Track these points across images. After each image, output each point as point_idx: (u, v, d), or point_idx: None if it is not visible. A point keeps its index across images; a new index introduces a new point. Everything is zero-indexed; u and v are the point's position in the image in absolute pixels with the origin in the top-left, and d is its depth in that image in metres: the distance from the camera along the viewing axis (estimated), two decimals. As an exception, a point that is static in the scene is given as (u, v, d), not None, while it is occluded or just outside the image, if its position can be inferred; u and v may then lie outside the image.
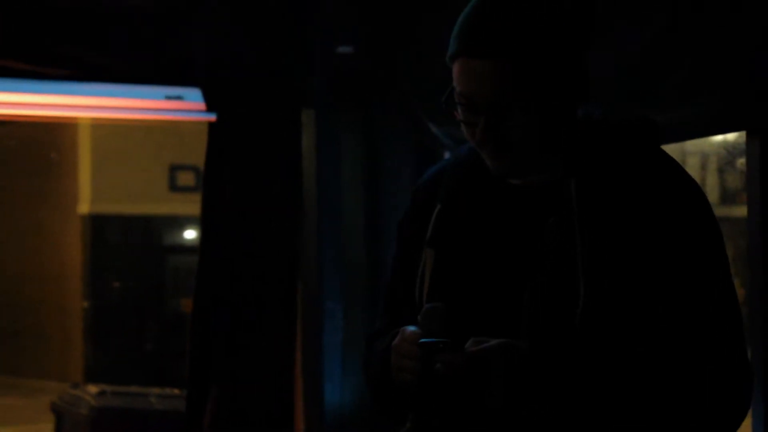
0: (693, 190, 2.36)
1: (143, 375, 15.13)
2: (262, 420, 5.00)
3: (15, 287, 20.00)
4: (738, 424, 2.34)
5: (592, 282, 2.26)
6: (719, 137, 6.38)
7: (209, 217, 5.08)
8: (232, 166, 5.01)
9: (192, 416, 5.06)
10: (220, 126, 5.02)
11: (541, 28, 2.26)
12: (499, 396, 2.23)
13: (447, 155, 4.41)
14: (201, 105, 5.02)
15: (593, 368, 2.24)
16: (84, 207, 18.49)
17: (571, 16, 2.31)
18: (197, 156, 5.38)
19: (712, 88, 3.55)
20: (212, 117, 5.03)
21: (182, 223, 18.45)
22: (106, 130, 17.32)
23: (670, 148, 2.46)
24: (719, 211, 2.41)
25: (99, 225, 18.47)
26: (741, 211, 3.94)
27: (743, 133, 3.69)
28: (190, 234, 18.15)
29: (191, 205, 10.04)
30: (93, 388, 7.99)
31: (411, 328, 2.29)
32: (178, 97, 5.05)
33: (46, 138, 18.51)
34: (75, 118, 10.98)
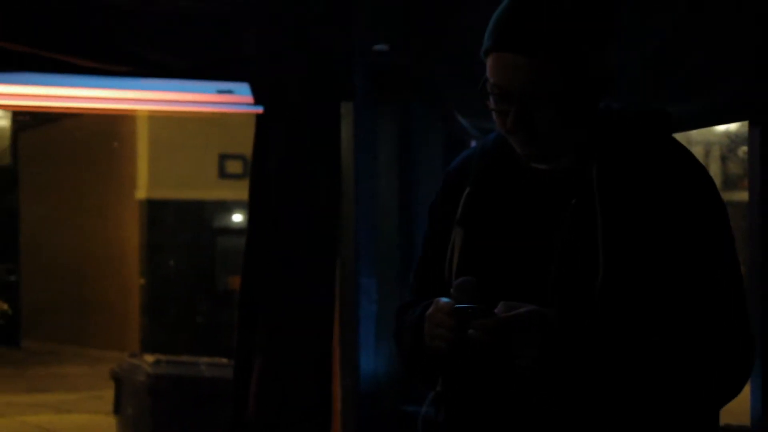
0: (702, 174, 2.36)
1: (194, 345, 15.22)
2: (303, 385, 5.00)
3: (79, 266, 20.11)
4: (740, 388, 2.35)
5: (611, 257, 2.26)
6: (722, 127, 6.35)
7: (256, 201, 5.08)
8: (276, 155, 5.01)
9: (239, 383, 5.07)
10: (267, 118, 5.02)
11: (569, 26, 2.28)
12: (529, 358, 2.23)
13: (474, 144, 4.39)
14: (249, 98, 5.02)
15: (612, 334, 2.25)
16: (141, 192, 18.57)
17: (595, 15, 2.32)
18: (245, 146, 5.39)
19: (717, 82, 3.53)
20: (259, 109, 5.03)
21: (230, 207, 18.52)
22: (161, 122, 17.39)
23: (677, 137, 2.45)
24: (721, 196, 2.40)
25: (155, 209, 18.55)
26: (742, 196, 3.92)
27: (745, 124, 3.67)
28: (238, 217, 18.21)
29: (239, 191, 10.07)
30: (149, 358, 8.01)
31: (444, 300, 2.30)
32: (229, 91, 5.05)
33: (109, 129, 18.60)
34: (134, 111, 11.01)
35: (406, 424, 4.82)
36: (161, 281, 18.51)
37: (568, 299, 2.27)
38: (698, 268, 2.28)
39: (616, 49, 2.36)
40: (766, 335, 3.48)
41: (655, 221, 2.28)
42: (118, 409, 8.07)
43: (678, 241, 2.28)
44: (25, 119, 21.51)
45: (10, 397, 13.45)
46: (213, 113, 5.41)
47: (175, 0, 4.92)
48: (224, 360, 7.89)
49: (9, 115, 22.18)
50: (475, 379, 2.37)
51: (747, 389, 3.26)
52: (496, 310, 2.23)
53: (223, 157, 17.79)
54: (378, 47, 5.07)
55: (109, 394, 8.23)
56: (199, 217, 18.68)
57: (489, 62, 2.32)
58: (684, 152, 2.37)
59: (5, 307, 22.14)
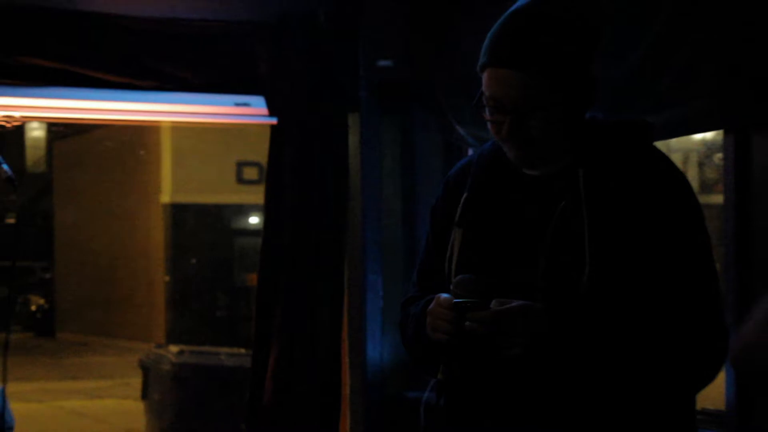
0: (680, 179, 2.38)
1: (215, 337, 15.19)
2: (315, 373, 5.00)
3: (109, 264, 20.11)
4: (715, 374, 2.36)
5: (596, 255, 2.28)
6: (699, 136, 6.33)
7: (271, 205, 5.07)
8: (289, 162, 5.01)
9: (256, 371, 5.06)
10: (280, 128, 5.02)
11: (558, 44, 2.30)
12: (520, 347, 2.25)
13: (471, 152, 4.39)
14: (264, 110, 5.02)
15: (597, 324, 2.26)
16: (166, 197, 18.57)
17: (581, 34, 2.33)
18: (260, 154, 5.38)
19: (694, 95, 3.53)
20: (273, 120, 5.03)
21: (247, 210, 18.51)
22: (184, 132, 17.38)
23: (658, 145, 2.46)
24: (698, 199, 2.41)
25: (178, 212, 18.54)
26: (717, 198, 3.91)
27: (720, 132, 3.66)
28: (254, 219, 18.20)
29: (255, 195, 10.07)
30: (174, 348, 8.00)
31: (444, 295, 2.31)
32: (245, 104, 5.04)
33: (136, 139, 18.61)
34: (159, 122, 11.01)
35: (409, 409, 4.81)
36: (184, 278, 18.50)
37: (556, 292, 2.28)
38: (676, 264, 2.29)
39: (600, 64, 2.37)
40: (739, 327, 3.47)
41: (637, 221, 2.29)
42: (145, 394, 8.07)
43: (658, 240, 2.29)
44: (59, 130, 21.55)
45: (46, 384, 13.45)
46: (231, 124, 5.40)
47: (196, 21, 4.92)
48: (242, 350, 7.89)
49: (45, 126, 22.23)
50: (472, 367, 2.37)
51: (722, 376, 3.25)
52: (490, 305, 2.25)
53: (241, 164, 17.77)
54: (382, 63, 5.06)
55: (137, 381, 8.23)
56: (218, 219, 18.67)
57: (485, 77, 2.34)
58: (663, 158, 2.38)
59: (42, 301, 22.16)
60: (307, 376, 4.97)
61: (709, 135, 5.69)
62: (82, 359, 17.58)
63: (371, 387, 5.11)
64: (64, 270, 22.07)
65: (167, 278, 18.65)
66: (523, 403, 2.32)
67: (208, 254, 18.56)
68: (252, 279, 13.38)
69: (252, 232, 17.49)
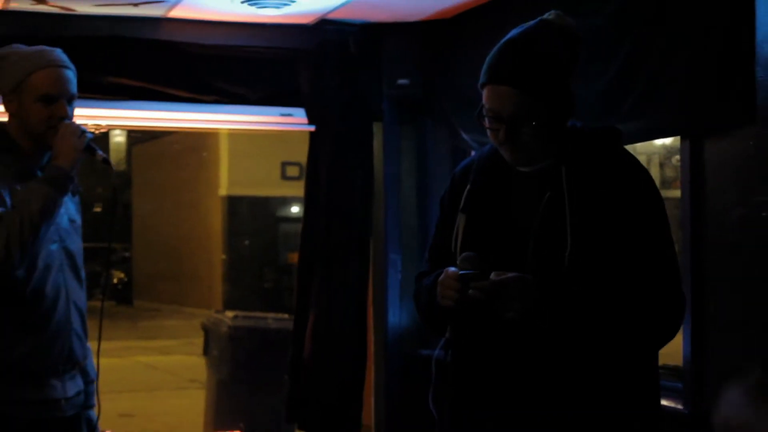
0: (645, 175, 2.38)
1: (263, 304, 15.22)
2: (345, 336, 5.01)
3: (177, 245, 20.17)
4: (674, 334, 2.35)
5: (576, 236, 2.28)
6: (660, 141, 6.31)
7: (309, 197, 5.08)
8: (325, 162, 5.01)
9: (297, 332, 5.08)
10: (318, 134, 5.03)
11: (544, 67, 2.30)
12: (515, 311, 2.25)
13: (473, 153, 4.39)
14: (304, 120, 5.03)
15: (577, 292, 2.26)
16: (223, 190, 18.59)
17: (565, 57, 2.34)
18: (301, 155, 5.39)
19: (656, 108, 3.53)
20: (312, 128, 5.04)
21: (290, 201, 18.52)
22: (238, 137, 17.40)
23: (626, 148, 2.46)
24: (660, 192, 2.41)
25: (233, 203, 18.56)
26: (675, 193, 3.90)
27: (678, 138, 3.66)
28: (295, 209, 18.20)
29: (296, 189, 10.08)
30: (230, 314, 7.98)
31: (451, 269, 2.31)
32: (289, 114, 5.05)
33: (199, 143, 18.64)
34: (218, 130, 11.02)
35: (422, 364, 4.82)
36: (238, 257, 18.54)
37: (543, 267, 2.29)
38: (642, 244, 2.30)
39: (578, 81, 2.38)
40: (693, 297, 3.47)
41: (610, 210, 2.30)
42: (206, 351, 8.07)
43: (627, 225, 2.29)
44: (137, 136, 21.61)
45: (126, 342, 13.49)
46: (277, 131, 5.40)
47: (251, 48, 4.94)
48: (286, 315, 7.89)
49: (125, 132, 22.29)
50: (475, 328, 2.38)
51: (679, 337, 3.25)
52: (490, 276, 2.25)
53: (285, 164, 17.78)
54: (401, 82, 5.06)
55: (199, 341, 8.23)
56: (266, 208, 18.68)
57: (484, 93, 2.34)
58: (631, 158, 2.39)
59: (122, 275, 22.24)
60: (339, 337, 4.99)
61: (668, 141, 5.67)
62: (155, 323, 17.63)
63: (391, 346, 5.12)
64: (140, 250, 22.15)
65: (224, 257, 18.69)
66: (517, 357, 2.32)
67: (258, 237, 18.58)
68: (293, 258, 13.37)
69: (293, 219, 17.49)
